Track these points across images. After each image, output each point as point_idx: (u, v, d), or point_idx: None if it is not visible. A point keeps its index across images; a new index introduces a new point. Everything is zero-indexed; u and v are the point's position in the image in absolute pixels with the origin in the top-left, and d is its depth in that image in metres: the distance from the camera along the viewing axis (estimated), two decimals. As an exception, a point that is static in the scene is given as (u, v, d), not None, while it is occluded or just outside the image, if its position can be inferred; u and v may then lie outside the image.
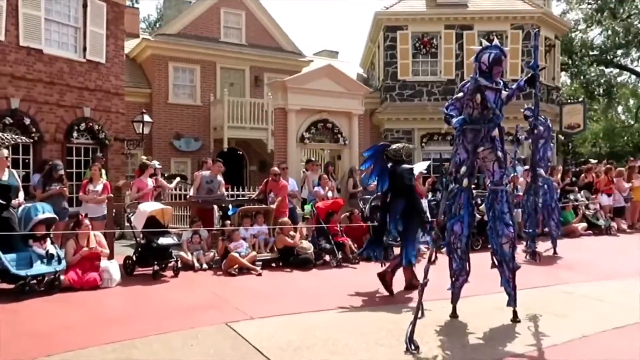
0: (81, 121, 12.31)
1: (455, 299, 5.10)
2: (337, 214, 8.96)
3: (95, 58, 12.68)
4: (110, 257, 7.40)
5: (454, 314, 5.07)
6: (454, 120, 4.87)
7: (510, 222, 4.99)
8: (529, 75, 5.13)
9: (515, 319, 4.93)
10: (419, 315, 4.34)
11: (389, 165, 6.27)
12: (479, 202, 7.67)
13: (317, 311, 5.37)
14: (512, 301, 4.95)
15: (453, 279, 5.09)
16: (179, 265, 7.54)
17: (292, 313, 5.29)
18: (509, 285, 4.95)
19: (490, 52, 4.89)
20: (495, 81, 4.93)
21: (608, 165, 13.66)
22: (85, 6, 12.35)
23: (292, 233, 8.31)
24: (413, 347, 4.09)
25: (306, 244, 8.28)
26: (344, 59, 26.97)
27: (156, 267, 7.31)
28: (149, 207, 7.71)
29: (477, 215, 5.88)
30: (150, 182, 8.94)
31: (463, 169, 4.84)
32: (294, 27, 59.73)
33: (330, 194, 9.92)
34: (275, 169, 9.61)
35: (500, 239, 4.95)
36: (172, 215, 9.27)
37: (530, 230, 8.39)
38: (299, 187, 10.67)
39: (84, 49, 12.41)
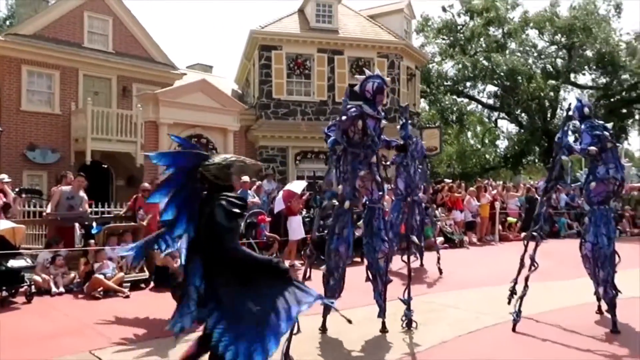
0: None
1: (326, 313, 5.18)
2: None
3: None
4: (-54, 283, 6.44)
5: (323, 328, 5.16)
6: (329, 140, 5.06)
7: (386, 238, 5.30)
8: (402, 144, 5.58)
9: (384, 329, 5.23)
10: (295, 331, 4.40)
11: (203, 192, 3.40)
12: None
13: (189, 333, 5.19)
14: (382, 313, 5.24)
15: (329, 295, 5.11)
16: (33, 290, 6.80)
17: (162, 337, 5.05)
18: (381, 298, 5.24)
19: (374, 81, 5.19)
20: (377, 110, 5.21)
21: (450, 184, 15.17)
22: None
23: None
24: (290, 363, 4.13)
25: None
26: (218, 74, 26.69)
27: (5, 293, 6.51)
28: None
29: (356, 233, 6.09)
30: (-2, 199, 7.99)
31: (340, 187, 5.02)
32: (167, 39, 57.84)
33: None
34: (146, 184, 9.17)
35: (376, 254, 5.23)
36: (25, 234, 8.34)
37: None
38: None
39: None
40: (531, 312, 5.62)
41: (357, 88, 5.29)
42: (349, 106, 5.07)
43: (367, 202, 5.41)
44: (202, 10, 68.54)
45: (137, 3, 58.13)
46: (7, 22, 31.48)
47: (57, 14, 17.32)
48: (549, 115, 31.66)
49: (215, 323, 2.92)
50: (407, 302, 5.36)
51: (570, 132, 5.85)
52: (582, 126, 5.61)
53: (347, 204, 5.00)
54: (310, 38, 19.28)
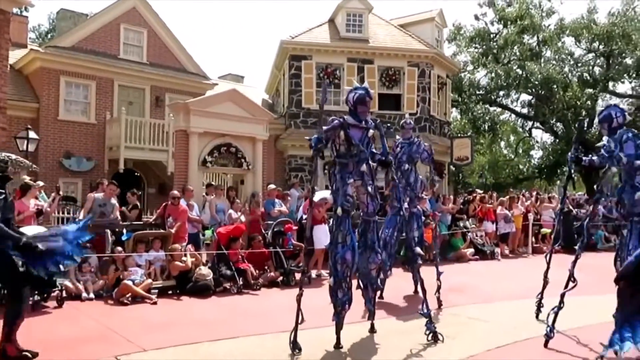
0: (-47, 135, 11.10)
1: (339, 328, 4.99)
2: (238, 239, 8.81)
3: (-26, 67, 11.57)
4: (-19, 287, 6.64)
5: (338, 345, 4.94)
6: (312, 139, 4.92)
7: (379, 250, 5.37)
8: (384, 160, 5.36)
9: (372, 330, 5.39)
10: (300, 320, 4.66)
11: None
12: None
13: (215, 340, 5.21)
14: (372, 316, 5.45)
15: (339, 309, 4.97)
16: (64, 294, 6.95)
17: (188, 343, 5.07)
18: (371, 303, 5.45)
19: (356, 92, 5.24)
20: (365, 120, 5.17)
21: (482, 194, 14.83)
22: (-37, 11, 11.30)
23: (183, 258, 8.00)
24: (297, 350, 4.49)
25: (205, 270, 8.02)
26: (250, 84, 27.08)
27: (36, 298, 6.66)
28: (30, 231, 7.05)
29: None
30: (32, 205, 8.22)
31: (330, 197, 5.08)
32: (200, 50, 59.07)
33: (243, 218, 9.71)
34: (175, 192, 9.28)
35: (370, 266, 5.30)
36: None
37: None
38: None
39: (-39, 57, 11.28)
40: (563, 328, 5.40)
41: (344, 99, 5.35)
42: (332, 117, 5.15)
43: (363, 215, 5.41)
44: (236, 22, 69.85)
45: (172, 15, 59.61)
46: (49, 35, 32.73)
47: (95, 27, 17.91)
48: (585, 124, 30.82)
49: None
50: (427, 315, 5.24)
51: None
52: (624, 136, 5.38)
53: (339, 210, 4.99)
54: (340, 47, 19.33)
